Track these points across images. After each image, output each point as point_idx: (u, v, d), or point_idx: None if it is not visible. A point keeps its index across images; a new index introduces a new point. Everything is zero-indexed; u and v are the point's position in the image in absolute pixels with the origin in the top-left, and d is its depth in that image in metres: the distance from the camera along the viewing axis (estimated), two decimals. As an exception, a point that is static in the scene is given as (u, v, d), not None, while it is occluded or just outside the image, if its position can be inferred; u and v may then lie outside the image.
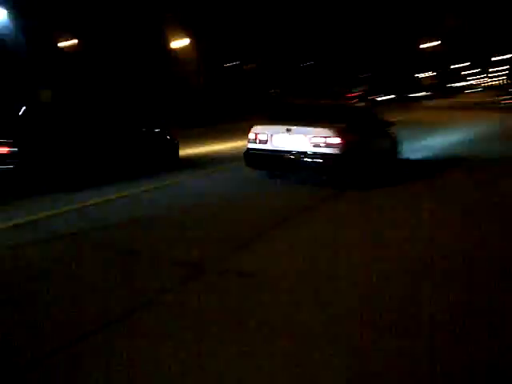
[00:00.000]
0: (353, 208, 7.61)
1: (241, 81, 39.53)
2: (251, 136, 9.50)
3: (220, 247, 5.45)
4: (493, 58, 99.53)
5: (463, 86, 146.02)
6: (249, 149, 9.61)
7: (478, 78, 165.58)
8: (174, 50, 30.27)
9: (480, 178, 9.99)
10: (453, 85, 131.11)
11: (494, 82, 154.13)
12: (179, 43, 29.52)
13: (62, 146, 9.02)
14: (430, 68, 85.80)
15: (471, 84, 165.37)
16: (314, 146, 8.69)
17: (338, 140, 8.58)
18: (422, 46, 66.23)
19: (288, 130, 8.94)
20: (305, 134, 8.78)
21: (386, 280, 4.44)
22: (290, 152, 8.97)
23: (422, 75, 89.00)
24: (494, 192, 8.54)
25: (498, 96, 53.71)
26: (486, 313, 3.82)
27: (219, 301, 4.03)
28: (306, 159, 8.77)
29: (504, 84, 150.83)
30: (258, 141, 9.40)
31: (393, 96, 67.80)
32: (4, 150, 8.19)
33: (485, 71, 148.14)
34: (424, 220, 6.68)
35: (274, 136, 9.19)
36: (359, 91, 55.19)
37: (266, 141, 9.28)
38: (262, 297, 4.10)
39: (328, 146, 8.56)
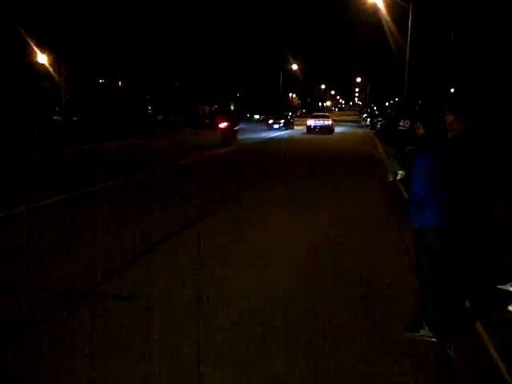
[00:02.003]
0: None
1: (115, 98, 38.84)
2: (308, 121, 35.57)
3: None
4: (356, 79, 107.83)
5: (330, 104, 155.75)
6: (308, 126, 35.14)
7: (342, 98, 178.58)
8: (39, 65, 29.01)
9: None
10: (323, 103, 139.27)
11: (357, 102, 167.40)
12: (40, 58, 28.40)
13: None
14: (298, 88, 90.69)
15: (339, 102, 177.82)
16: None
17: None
18: (288, 67, 70.07)
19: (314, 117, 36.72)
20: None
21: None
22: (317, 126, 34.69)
23: (291, 95, 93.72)
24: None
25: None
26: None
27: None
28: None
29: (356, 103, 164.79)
30: (309, 122, 35.42)
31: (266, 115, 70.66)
32: None
33: (349, 91, 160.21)
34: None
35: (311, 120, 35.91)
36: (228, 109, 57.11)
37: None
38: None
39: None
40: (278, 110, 48.44)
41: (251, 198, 9.65)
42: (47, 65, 29.38)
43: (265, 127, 39.27)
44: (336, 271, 5.39)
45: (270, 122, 39.11)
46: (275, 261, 5.71)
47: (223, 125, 23.12)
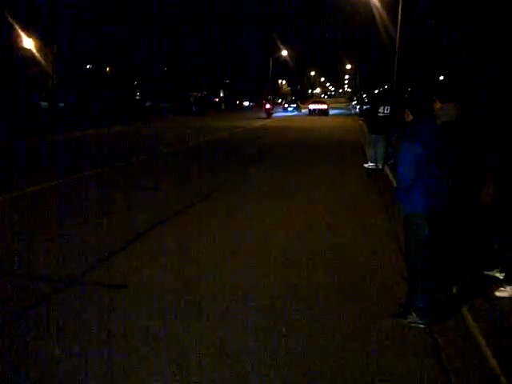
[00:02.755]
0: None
1: (102, 84, 38.42)
2: (310, 106, 48.51)
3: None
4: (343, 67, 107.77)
5: (320, 92, 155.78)
6: (310, 109, 47.26)
7: (331, 85, 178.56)
8: (27, 51, 28.57)
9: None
10: (312, 91, 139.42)
11: (347, 89, 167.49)
12: (27, 43, 27.97)
13: None
14: (288, 75, 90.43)
15: (329, 89, 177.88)
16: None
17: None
18: (278, 55, 69.74)
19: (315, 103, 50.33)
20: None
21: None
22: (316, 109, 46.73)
23: (281, 82, 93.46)
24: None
25: None
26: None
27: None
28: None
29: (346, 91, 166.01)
30: (309, 107, 48.47)
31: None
32: None
33: (339, 78, 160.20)
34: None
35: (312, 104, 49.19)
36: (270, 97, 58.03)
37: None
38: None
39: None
40: (268, 97, 56.72)
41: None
42: (34, 50, 28.93)
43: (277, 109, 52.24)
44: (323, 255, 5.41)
45: (286, 105, 55.80)
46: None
47: (268, 106, 40.17)
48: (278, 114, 45.50)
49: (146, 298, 4.26)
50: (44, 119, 23.76)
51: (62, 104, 31.99)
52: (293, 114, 49.68)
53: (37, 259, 5.17)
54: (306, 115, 45.31)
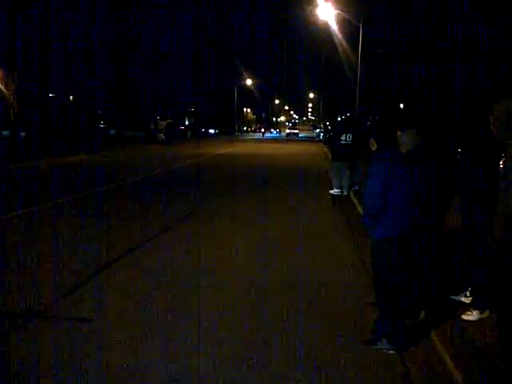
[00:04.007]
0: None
1: (65, 113, 37.94)
2: (287, 130, 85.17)
3: None
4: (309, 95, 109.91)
5: (284, 120, 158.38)
6: (287, 133, 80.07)
7: (296, 113, 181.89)
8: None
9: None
10: (277, 119, 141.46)
11: (310, 117, 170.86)
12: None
13: None
14: (253, 103, 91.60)
15: (293, 117, 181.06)
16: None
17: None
18: (243, 83, 70.70)
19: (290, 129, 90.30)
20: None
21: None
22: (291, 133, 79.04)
23: (246, 110, 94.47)
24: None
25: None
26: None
27: None
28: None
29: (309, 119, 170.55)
30: (287, 131, 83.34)
31: (221, 130, 70.97)
32: None
33: (302, 106, 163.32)
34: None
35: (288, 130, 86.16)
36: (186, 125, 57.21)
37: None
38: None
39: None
40: (234, 125, 58.80)
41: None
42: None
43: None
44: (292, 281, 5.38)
45: (263, 130, 79.94)
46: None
47: (262, 130, 77.28)
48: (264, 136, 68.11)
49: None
50: (5, 148, 23.21)
51: (23, 133, 31.38)
52: (278, 135, 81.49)
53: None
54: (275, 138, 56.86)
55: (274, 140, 48.62)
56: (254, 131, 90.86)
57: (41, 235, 7.48)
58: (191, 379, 3.45)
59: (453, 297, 4.78)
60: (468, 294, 4.65)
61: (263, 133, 75.88)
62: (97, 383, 3.37)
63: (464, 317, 4.41)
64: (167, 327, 4.25)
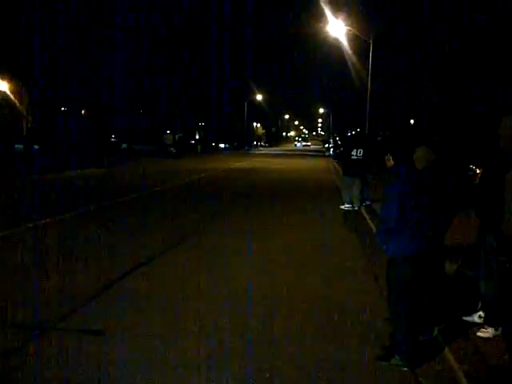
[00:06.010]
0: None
1: (78, 127, 38.34)
2: (303, 142, 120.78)
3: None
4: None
5: (294, 134, 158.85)
6: (303, 144, 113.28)
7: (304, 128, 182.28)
8: (1, 93, 28.46)
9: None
10: (286, 134, 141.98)
11: (320, 132, 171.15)
12: (1, 85, 27.91)
13: None
14: (263, 118, 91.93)
15: (303, 132, 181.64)
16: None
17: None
18: (253, 98, 71.08)
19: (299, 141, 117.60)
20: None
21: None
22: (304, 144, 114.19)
23: (255, 125, 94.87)
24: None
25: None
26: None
27: None
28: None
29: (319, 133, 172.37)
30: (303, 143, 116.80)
31: (231, 144, 71.24)
32: None
33: (311, 122, 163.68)
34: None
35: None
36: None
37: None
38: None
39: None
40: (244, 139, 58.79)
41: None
42: (8, 92, 28.88)
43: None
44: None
45: (300, 143, 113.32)
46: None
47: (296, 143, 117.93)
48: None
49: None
50: (18, 162, 23.47)
51: (36, 146, 31.72)
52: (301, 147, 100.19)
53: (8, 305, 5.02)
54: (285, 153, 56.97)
55: (283, 155, 48.81)
56: (265, 145, 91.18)
57: (46, 248, 7.56)
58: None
59: (465, 318, 4.71)
60: (481, 313, 4.61)
61: (295, 144, 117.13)
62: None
63: (479, 334, 4.37)
64: (181, 339, 4.27)
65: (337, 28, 25.37)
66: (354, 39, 27.47)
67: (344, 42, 27.50)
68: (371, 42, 24.05)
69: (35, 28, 30.57)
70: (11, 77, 28.52)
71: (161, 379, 3.61)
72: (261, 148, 66.56)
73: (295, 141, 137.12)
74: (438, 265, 4.28)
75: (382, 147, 11.63)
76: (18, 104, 29.28)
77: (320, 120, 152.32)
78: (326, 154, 55.49)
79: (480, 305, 4.64)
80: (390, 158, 3.96)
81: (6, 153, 26.24)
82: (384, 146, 10.43)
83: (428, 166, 3.78)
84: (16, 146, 29.65)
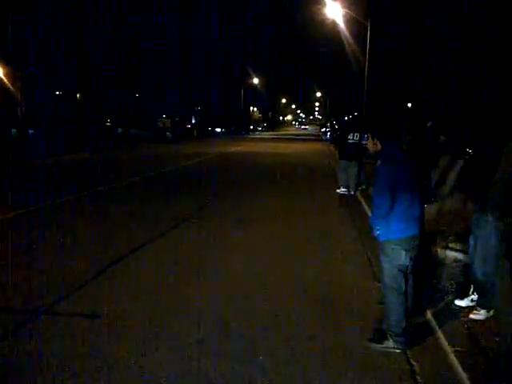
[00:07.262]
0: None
1: (72, 111, 38.00)
2: (302, 126, 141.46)
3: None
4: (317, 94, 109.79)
5: (291, 119, 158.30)
6: (302, 128, 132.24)
7: (302, 112, 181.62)
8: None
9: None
10: (283, 118, 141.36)
11: (317, 116, 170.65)
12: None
13: None
14: (259, 102, 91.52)
15: (300, 116, 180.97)
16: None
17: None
18: (250, 82, 70.59)
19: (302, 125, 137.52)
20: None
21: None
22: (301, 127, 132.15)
23: (252, 109, 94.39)
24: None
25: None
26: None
27: None
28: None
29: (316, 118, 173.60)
30: (302, 127, 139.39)
31: (228, 128, 70.96)
32: None
33: (309, 106, 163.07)
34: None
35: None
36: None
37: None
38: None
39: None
40: (241, 123, 58.05)
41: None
42: (1, 76, 28.56)
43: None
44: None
45: (300, 126, 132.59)
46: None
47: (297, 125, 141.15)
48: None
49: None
50: (13, 146, 23.34)
51: (31, 131, 31.52)
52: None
53: (5, 289, 5.02)
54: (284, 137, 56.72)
55: (280, 139, 48.72)
56: (262, 130, 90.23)
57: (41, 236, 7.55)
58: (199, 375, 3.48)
59: (458, 302, 4.72)
60: (474, 297, 4.62)
61: (295, 126, 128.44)
62: (105, 377, 3.41)
63: (471, 316, 4.40)
64: (176, 323, 4.28)
65: (334, 10, 25.03)
66: (351, 21, 27.18)
67: (341, 24, 27.19)
68: (369, 24, 23.78)
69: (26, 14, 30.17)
70: (4, 61, 28.14)
71: (153, 363, 3.63)
72: (257, 132, 66.11)
73: (295, 124, 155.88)
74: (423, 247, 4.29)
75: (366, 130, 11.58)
76: (11, 88, 28.95)
77: (317, 104, 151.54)
78: (323, 138, 55.27)
79: (472, 289, 4.66)
80: (377, 142, 3.92)
81: (3, 137, 26.11)
82: (367, 129, 10.34)
83: (411, 150, 3.75)
84: (11, 130, 29.44)
